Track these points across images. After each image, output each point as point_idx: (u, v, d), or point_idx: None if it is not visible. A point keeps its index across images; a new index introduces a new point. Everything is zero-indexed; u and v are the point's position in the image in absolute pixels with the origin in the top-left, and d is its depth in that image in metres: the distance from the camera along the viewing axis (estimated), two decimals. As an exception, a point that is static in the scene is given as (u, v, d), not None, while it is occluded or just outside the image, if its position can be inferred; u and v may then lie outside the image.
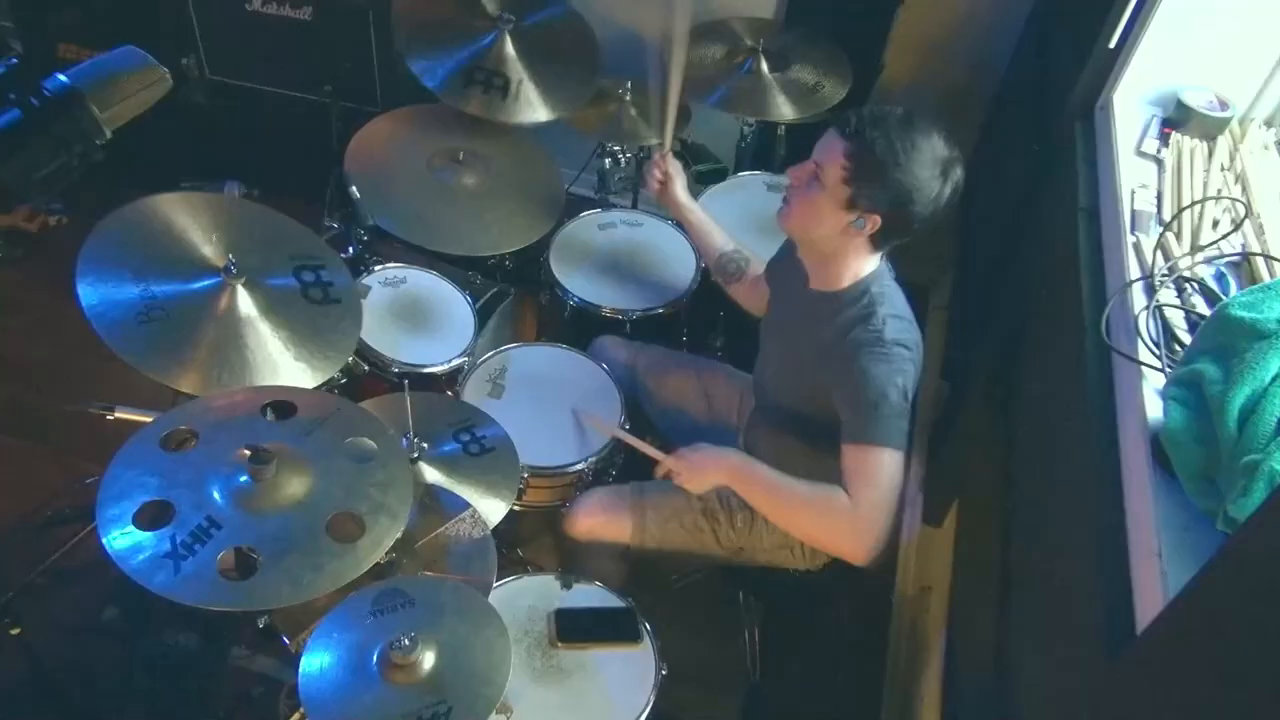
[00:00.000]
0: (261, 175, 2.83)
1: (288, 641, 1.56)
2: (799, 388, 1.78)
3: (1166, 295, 1.41)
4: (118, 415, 1.59)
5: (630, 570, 1.92)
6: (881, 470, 1.56)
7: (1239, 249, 1.49)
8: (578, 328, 2.30)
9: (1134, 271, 1.48)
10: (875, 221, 1.58)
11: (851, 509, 1.57)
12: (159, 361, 1.58)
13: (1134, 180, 1.68)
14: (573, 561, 1.94)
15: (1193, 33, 1.79)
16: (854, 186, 1.55)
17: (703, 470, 1.72)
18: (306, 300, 1.75)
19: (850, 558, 1.63)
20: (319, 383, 1.71)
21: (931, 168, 1.52)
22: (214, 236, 1.72)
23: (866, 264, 1.67)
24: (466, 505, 1.69)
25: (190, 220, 1.72)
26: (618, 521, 1.87)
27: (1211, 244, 1.50)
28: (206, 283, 1.67)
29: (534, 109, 2.30)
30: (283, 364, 1.67)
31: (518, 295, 2.45)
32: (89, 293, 1.57)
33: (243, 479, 1.38)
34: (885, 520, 1.57)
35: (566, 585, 1.76)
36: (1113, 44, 1.88)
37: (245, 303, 1.68)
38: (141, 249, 1.66)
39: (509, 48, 2.30)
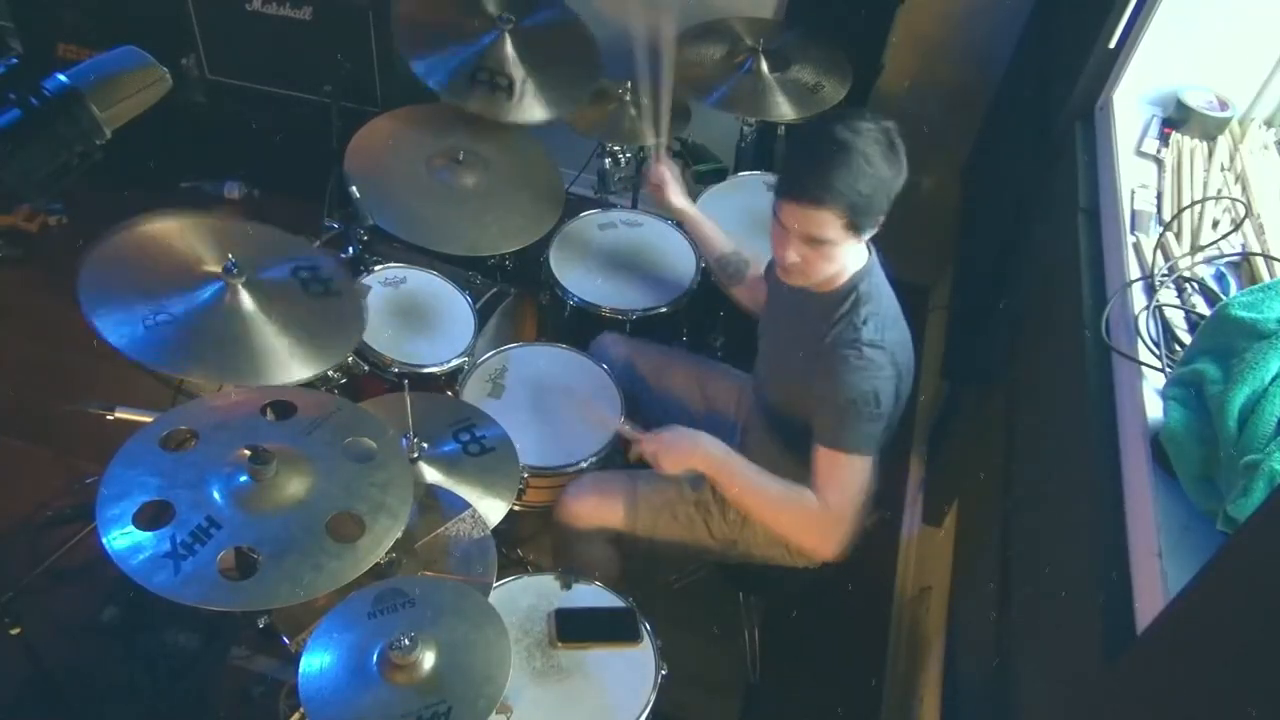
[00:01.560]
0: (261, 175, 2.83)
1: (288, 641, 1.56)
2: (789, 387, 1.79)
3: (1166, 295, 1.41)
4: (118, 415, 1.60)
5: (623, 558, 1.92)
6: (849, 476, 1.62)
7: (1239, 249, 1.49)
8: (578, 327, 2.29)
9: (1134, 271, 1.48)
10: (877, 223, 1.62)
11: (819, 510, 1.64)
12: (178, 363, 1.59)
13: (1134, 180, 1.68)
14: (564, 548, 1.94)
15: (1193, 33, 1.79)
16: (855, 225, 1.57)
17: (675, 452, 1.74)
18: (306, 294, 1.75)
19: (814, 553, 1.72)
20: (329, 365, 1.70)
21: (891, 164, 1.55)
22: (209, 250, 1.71)
23: (856, 257, 1.68)
24: (466, 505, 1.69)
25: (183, 238, 1.72)
26: (610, 507, 1.88)
27: (1211, 244, 1.50)
28: (210, 290, 1.67)
29: (536, 109, 2.31)
30: (292, 352, 1.66)
31: (518, 295, 2.45)
32: (115, 334, 1.54)
33: (243, 479, 1.38)
34: (849, 521, 1.65)
35: (566, 585, 1.76)
36: (1113, 44, 1.88)
37: (247, 300, 1.67)
38: (140, 272, 1.65)
39: (509, 48, 2.31)
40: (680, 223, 2.19)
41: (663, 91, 2.14)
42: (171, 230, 1.71)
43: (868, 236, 1.63)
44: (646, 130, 2.30)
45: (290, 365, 1.65)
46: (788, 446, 1.80)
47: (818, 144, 1.55)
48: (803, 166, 1.57)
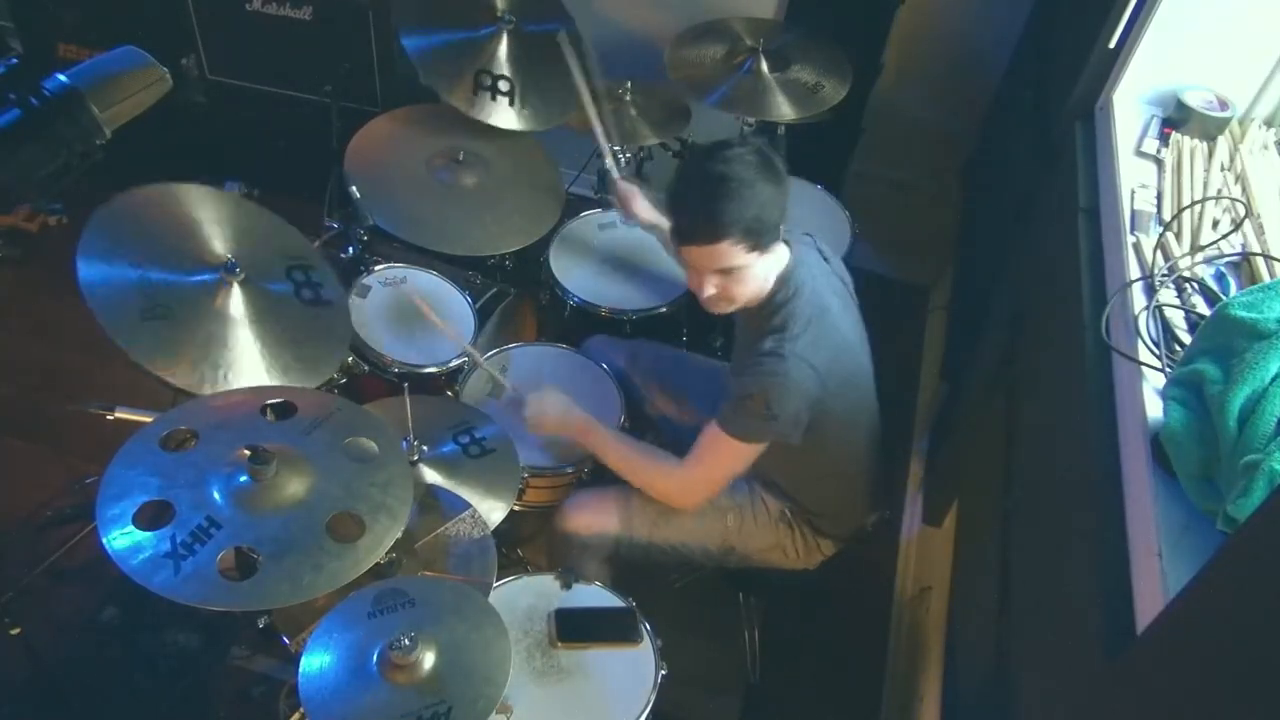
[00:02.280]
0: (261, 175, 2.82)
1: (288, 641, 1.56)
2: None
3: (1166, 295, 1.41)
4: (118, 415, 1.59)
5: (617, 574, 1.92)
6: (719, 454, 1.74)
7: (1239, 249, 1.49)
8: (578, 328, 2.30)
9: (1134, 271, 1.48)
10: (735, 242, 1.62)
11: (679, 471, 1.80)
12: (148, 350, 1.59)
13: (1134, 180, 1.68)
14: (560, 558, 1.94)
15: (1193, 33, 1.79)
16: (755, 246, 1.63)
17: (542, 415, 1.90)
18: (300, 301, 1.76)
19: (669, 501, 1.86)
20: (315, 383, 1.71)
21: (767, 175, 1.60)
22: (216, 231, 1.72)
23: (775, 263, 1.72)
24: (466, 505, 1.69)
25: (195, 212, 1.73)
26: (606, 520, 1.89)
27: (1211, 244, 1.50)
28: (204, 278, 1.67)
29: (530, 118, 2.33)
30: (273, 366, 1.68)
31: (518, 295, 2.45)
32: (88, 269, 1.57)
33: (243, 479, 1.38)
34: (704, 492, 1.83)
35: (566, 585, 1.76)
36: (1113, 44, 1.88)
37: (238, 303, 1.68)
38: (144, 236, 1.66)
39: (504, 47, 2.30)
40: (656, 233, 2.20)
41: (589, 109, 2.22)
42: (181, 202, 1.72)
43: (774, 245, 1.68)
44: (601, 141, 2.31)
45: (270, 378, 1.66)
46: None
47: (698, 184, 1.62)
48: (690, 209, 1.63)
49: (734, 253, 1.62)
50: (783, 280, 1.72)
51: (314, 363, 1.73)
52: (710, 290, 1.69)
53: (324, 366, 1.76)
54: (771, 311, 1.71)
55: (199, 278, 1.67)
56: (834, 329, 1.73)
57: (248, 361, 1.66)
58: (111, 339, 1.53)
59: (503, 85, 2.30)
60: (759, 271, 1.69)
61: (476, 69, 2.28)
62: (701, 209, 1.60)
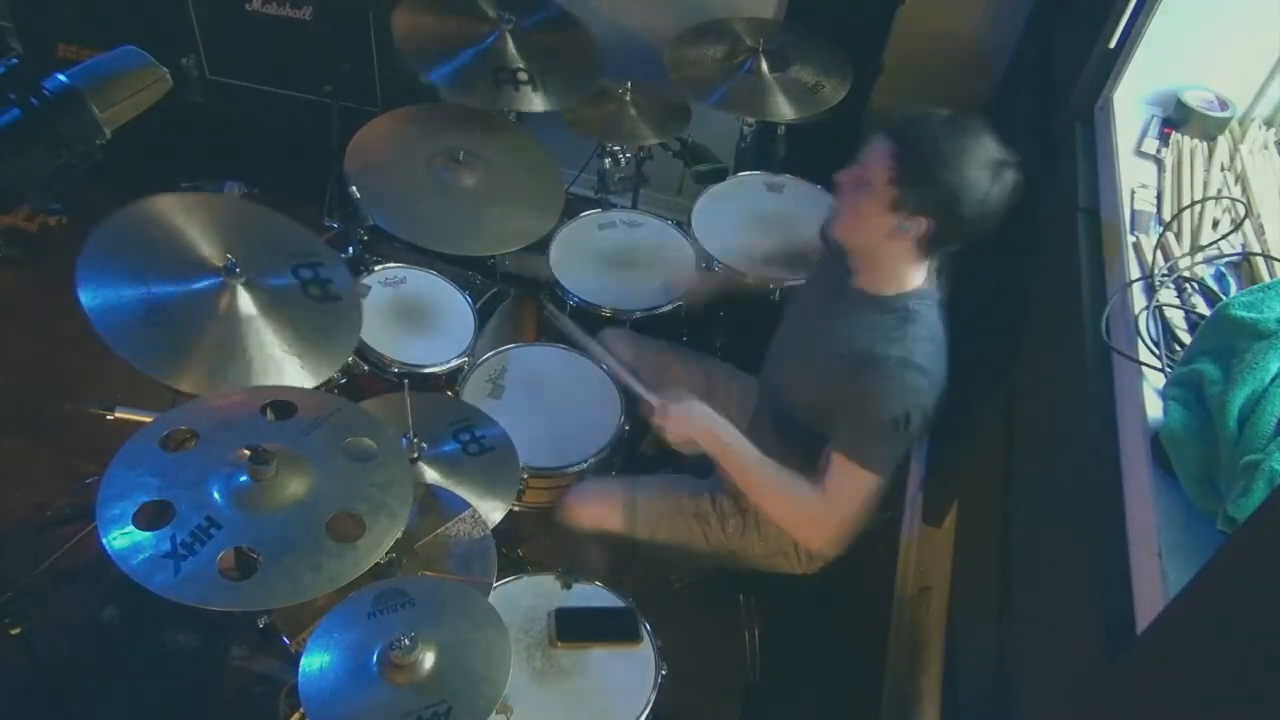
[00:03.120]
0: (261, 175, 2.82)
1: (288, 641, 1.56)
2: (810, 384, 1.75)
3: (1166, 295, 1.41)
4: (118, 415, 1.60)
5: (622, 564, 1.92)
6: (859, 488, 1.61)
7: (1239, 249, 1.49)
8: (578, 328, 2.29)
9: (1134, 271, 1.48)
10: (922, 224, 1.55)
11: (820, 504, 1.64)
12: (160, 362, 1.58)
13: (1134, 180, 1.68)
14: (566, 549, 1.94)
15: (1193, 33, 1.79)
16: (901, 187, 1.53)
17: (682, 422, 1.76)
18: (307, 297, 1.76)
19: (805, 543, 1.77)
20: (322, 380, 1.71)
21: (980, 168, 1.50)
22: (212, 236, 1.72)
23: (914, 274, 1.64)
24: (466, 505, 1.69)
25: (188, 221, 1.72)
26: (609, 513, 1.88)
27: (1211, 244, 1.50)
28: (206, 283, 1.67)
29: (554, 97, 2.35)
30: (285, 363, 1.67)
31: (518, 295, 2.45)
32: (90, 296, 1.56)
33: (243, 479, 1.38)
34: (846, 527, 1.66)
35: (566, 585, 1.76)
36: (1113, 44, 1.88)
37: (246, 302, 1.68)
38: (141, 251, 1.65)
39: (510, 44, 2.32)
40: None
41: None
42: (177, 212, 1.72)
43: (911, 230, 1.56)
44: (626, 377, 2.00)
45: (282, 375, 1.65)
46: (793, 447, 1.77)
47: (943, 111, 1.55)
48: (918, 109, 1.56)
49: (884, 167, 1.52)
50: (917, 296, 1.64)
51: (328, 353, 1.73)
52: (841, 196, 1.61)
53: (337, 355, 1.75)
54: (904, 322, 1.60)
55: (201, 284, 1.66)
56: (942, 357, 1.64)
57: (262, 359, 1.65)
58: (131, 362, 1.54)
59: (521, 75, 2.32)
60: (887, 243, 1.58)
61: (494, 69, 2.31)
62: (917, 114, 1.52)
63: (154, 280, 1.63)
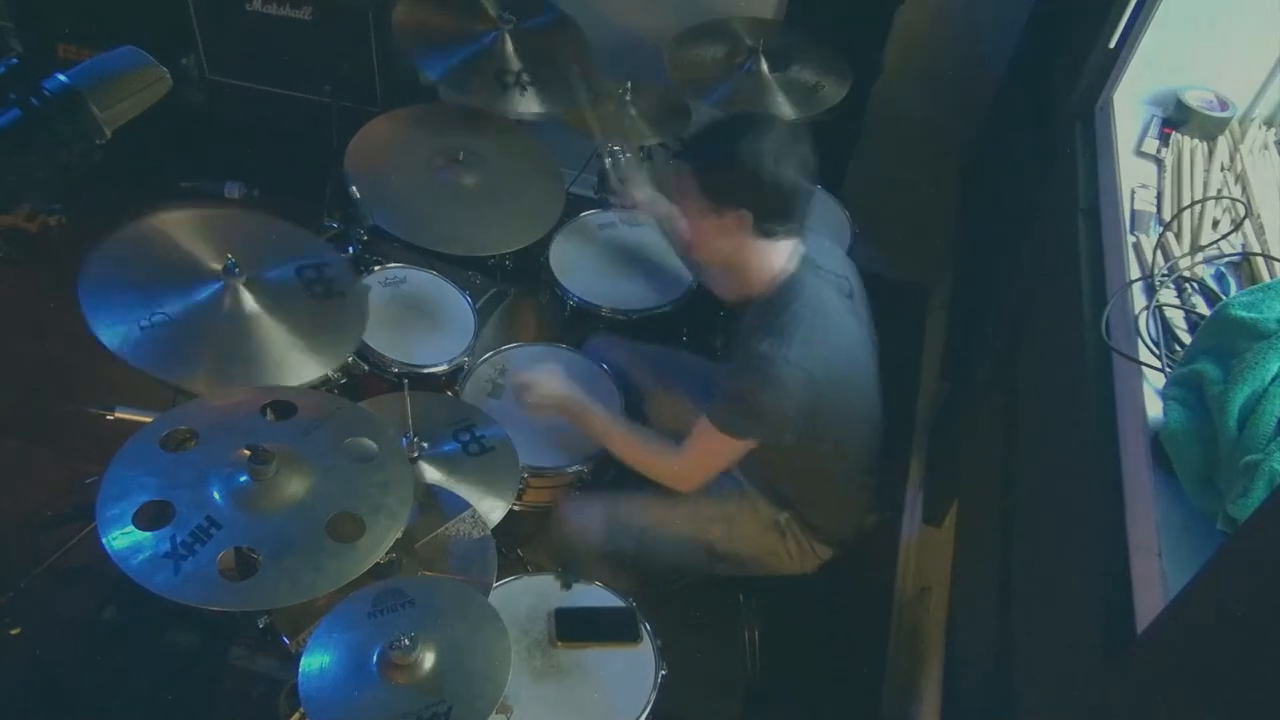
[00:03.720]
0: (261, 175, 2.83)
1: (288, 641, 1.56)
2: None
3: (1166, 295, 1.41)
4: (118, 415, 1.60)
5: (618, 570, 1.92)
6: (709, 446, 1.74)
7: (1239, 249, 1.49)
8: (578, 328, 2.29)
9: (1134, 271, 1.48)
10: (744, 213, 1.64)
11: (679, 461, 1.79)
12: (174, 368, 1.60)
13: (1134, 180, 1.68)
14: (565, 558, 1.94)
15: (1193, 33, 1.79)
16: (711, 193, 1.66)
17: (538, 397, 1.89)
18: (309, 295, 1.76)
19: (670, 487, 1.86)
20: (331, 368, 1.72)
21: (762, 141, 1.61)
22: (213, 248, 1.73)
23: (771, 260, 1.71)
24: (466, 505, 1.69)
25: (186, 234, 1.73)
26: (594, 528, 1.90)
27: (1211, 244, 1.50)
28: (210, 289, 1.67)
29: (554, 101, 2.36)
30: (291, 356, 1.67)
31: (518, 295, 2.45)
32: (109, 335, 1.57)
33: (243, 479, 1.38)
34: (698, 478, 1.83)
35: (566, 585, 1.76)
36: (1113, 44, 1.88)
37: (249, 301, 1.68)
38: (143, 270, 1.67)
39: (510, 46, 2.31)
40: (653, 216, 2.22)
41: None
42: (178, 225, 1.72)
43: (779, 237, 1.68)
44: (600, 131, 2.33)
45: (288, 370, 1.66)
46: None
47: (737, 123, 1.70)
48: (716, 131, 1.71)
49: (691, 184, 1.66)
50: (786, 279, 1.71)
51: (335, 345, 1.74)
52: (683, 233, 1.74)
53: (344, 347, 1.77)
54: (771, 311, 1.69)
55: (206, 290, 1.67)
56: (834, 332, 1.71)
57: (270, 357, 1.66)
58: (148, 372, 1.55)
59: (525, 78, 2.33)
60: (729, 245, 1.70)
61: (495, 70, 2.31)
62: (691, 132, 1.65)
63: (161, 298, 1.64)
